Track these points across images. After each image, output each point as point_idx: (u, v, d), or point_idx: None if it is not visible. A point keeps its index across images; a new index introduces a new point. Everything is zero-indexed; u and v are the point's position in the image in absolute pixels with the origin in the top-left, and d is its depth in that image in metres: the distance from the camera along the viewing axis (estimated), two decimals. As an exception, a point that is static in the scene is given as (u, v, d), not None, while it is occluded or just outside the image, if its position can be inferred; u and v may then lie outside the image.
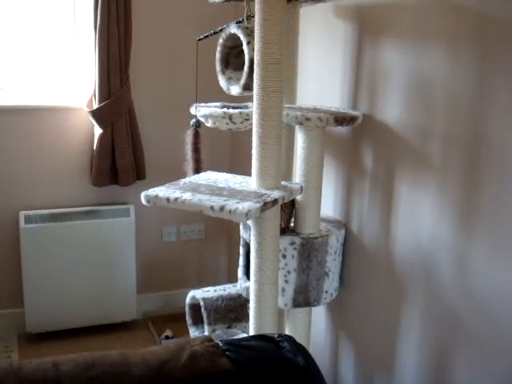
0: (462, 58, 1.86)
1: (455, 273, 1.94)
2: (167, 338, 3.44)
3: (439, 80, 1.96)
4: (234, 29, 2.15)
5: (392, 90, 2.19)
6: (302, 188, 2.21)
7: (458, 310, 1.95)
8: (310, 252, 2.33)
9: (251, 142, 2.08)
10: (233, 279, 3.50)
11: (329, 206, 2.64)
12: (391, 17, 2.18)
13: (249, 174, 2.17)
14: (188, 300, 3.00)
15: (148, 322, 3.68)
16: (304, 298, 2.39)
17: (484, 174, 1.80)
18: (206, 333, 2.83)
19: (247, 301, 2.38)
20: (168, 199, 1.98)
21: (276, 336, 1.66)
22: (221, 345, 1.58)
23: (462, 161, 1.89)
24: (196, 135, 2.42)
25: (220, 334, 2.74)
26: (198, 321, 3.03)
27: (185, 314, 3.05)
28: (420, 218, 2.09)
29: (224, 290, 2.95)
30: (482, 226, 1.82)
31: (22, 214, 3.28)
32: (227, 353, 1.54)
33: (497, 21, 1.72)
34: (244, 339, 1.68)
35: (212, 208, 1.89)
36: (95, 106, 3.22)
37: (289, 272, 2.34)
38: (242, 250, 2.61)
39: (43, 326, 3.40)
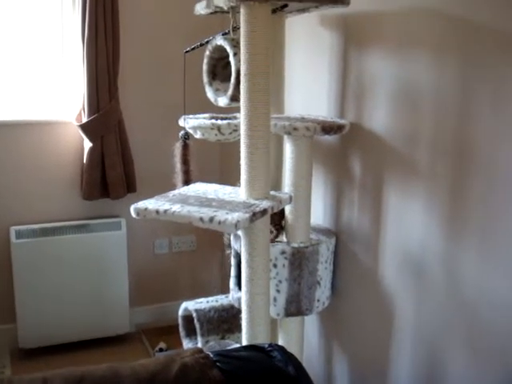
0: (447, 65, 1.87)
1: (445, 280, 1.95)
2: (161, 350, 3.43)
3: (425, 88, 1.97)
4: (220, 40, 2.16)
5: (379, 98, 2.21)
6: (291, 197, 2.21)
7: (448, 316, 1.95)
8: (301, 261, 2.33)
9: (240, 152, 2.09)
10: (225, 290, 3.50)
11: (319, 214, 2.64)
12: (376, 26, 2.20)
13: (238, 184, 2.17)
14: (181, 312, 3.00)
15: (141, 335, 3.67)
16: (296, 307, 2.39)
17: (471, 180, 1.81)
18: (200, 344, 2.83)
19: (240, 311, 2.38)
20: (157, 211, 1.99)
21: (267, 346, 1.67)
22: (211, 356, 1.58)
23: (449, 168, 1.90)
24: (185, 147, 2.42)
25: (213, 345, 2.74)
26: (191, 332, 3.03)
27: (178, 326, 3.05)
28: (409, 226, 2.10)
29: (216, 301, 2.95)
30: (471, 232, 1.83)
31: (13, 229, 3.27)
32: (218, 364, 1.54)
33: (482, 29, 1.73)
34: (235, 350, 1.68)
35: (201, 219, 1.89)
36: (84, 119, 3.22)
37: (280, 281, 2.34)
38: (233, 261, 2.61)
39: (36, 342, 3.39)
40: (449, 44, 1.86)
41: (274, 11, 2.17)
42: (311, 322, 2.78)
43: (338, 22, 2.42)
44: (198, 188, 2.29)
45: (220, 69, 2.31)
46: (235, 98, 2.13)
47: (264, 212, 1.98)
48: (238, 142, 2.12)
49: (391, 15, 2.11)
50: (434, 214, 1.98)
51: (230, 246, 2.63)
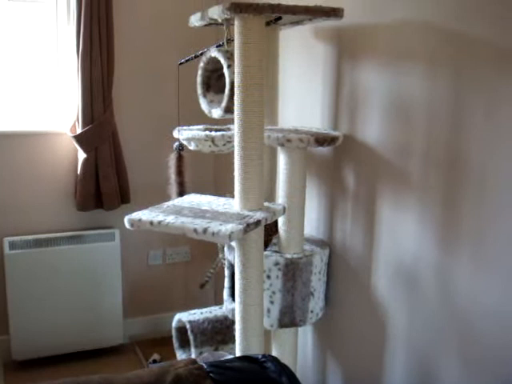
0: (440, 78, 1.89)
1: (437, 290, 1.96)
2: (155, 361, 3.42)
3: (418, 100, 1.99)
4: (214, 52, 2.17)
5: (372, 110, 2.22)
6: (284, 209, 2.22)
7: (441, 326, 1.96)
8: (294, 272, 2.34)
9: (234, 164, 2.09)
10: (219, 301, 3.50)
11: (312, 225, 2.65)
12: (370, 38, 2.22)
13: (232, 196, 2.18)
14: (174, 323, 3.00)
15: (135, 347, 3.65)
16: (290, 318, 2.39)
17: (464, 192, 1.82)
18: (193, 356, 2.82)
19: (233, 322, 2.38)
20: (151, 222, 1.99)
21: (260, 357, 1.67)
22: (205, 367, 1.58)
23: (441, 179, 1.91)
24: (179, 158, 2.43)
25: (207, 356, 2.74)
26: (185, 344, 3.03)
27: (172, 337, 3.05)
28: (402, 237, 2.11)
29: (210, 312, 2.95)
30: (463, 243, 1.84)
31: (6, 240, 3.26)
32: (211, 375, 1.54)
33: (474, 42, 1.75)
34: (228, 361, 1.68)
35: (195, 230, 1.90)
36: (79, 130, 3.23)
37: (274, 292, 2.35)
38: (227, 272, 2.61)
39: (29, 353, 3.37)
40: (441, 57, 1.88)
41: (267, 23, 2.19)
42: (305, 333, 2.78)
43: (332, 35, 2.44)
44: (192, 199, 2.29)
45: (214, 80, 2.32)
46: (229, 109, 2.14)
47: (258, 223, 1.98)
48: (232, 153, 2.13)
49: (384, 28, 2.13)
50: (427, 224, 1.99)
51: (223, 249, 2.63)
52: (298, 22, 2.34)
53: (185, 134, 2.41)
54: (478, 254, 1.79)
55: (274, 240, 2.45)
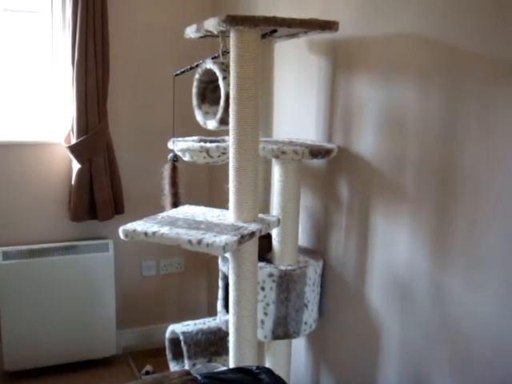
0: (433, 90, 1.90)
1: (431, 301, 1.96)
2: (147, 373, 3.41)
3: (412, 113, 2.00)
4: (209, 64, 2.18)
5: (366, 123, 2.23)
6: (279, 220, 2.23)
7: (434, 336, 1.96)
8: (288, 284, 2.34)
9: (228, 175, 2.10)
10: (213, 313, 3.49)
11: (306, 237, 2.66)
12: (364, 51, 2.23)
13: (227, 207, 2.18)
14: (168, 334, 2.99)
15: (128, 358, 3.64)
16: (283, 329, 2.39)
17: (457, 203, 1.83)
18: (187, 367, 2.81)
19: (227, 334, 2.37)
20: (146, 233, 1.99)
21: (254, 368, 1.67)
22: (199, 378, 1.57)
23: (435, 191, 1.92)
24: (174, 169, 2.43)
25: (200, 368, 2.73)
26: (178, 355, 3.02)
27: (165, 348, 3.04)
28: (396, 248, 2.12)
29: (204, 323, 2.94)
30: (456, 254, 1.85)
31: (0, 250, 3.26)
32: (205, 386, 1.54)
33: (467, 55, 1.76)
34: (222, 372, 1.68)
35: (190, 242, 1.90)
36: (73, 141, 3.23)
37: (268, 304, 2.35)
38: (221, 283, 2.61)
39: (22, 364, 3.36)
40: (434, 69, 1.89)
41: (263, 36, 2.20)
42: (299, 345, 2.78)
43: (327, 48, 2.45)
44: (187, 210, 2.30)
45: (209, 92, 2.33)
46: (224, 121, 2.14)
47: (252, 235, 1.99)
48: (227, 164, 2.13)
49: (378, 41, 2.14)
50: (421, 236, 1.99)
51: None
52: (293, 35, 2.35)
53: (179, 145, 2.41)
54: (470, 265, 1.79)
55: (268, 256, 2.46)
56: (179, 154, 2.44)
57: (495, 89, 1.67)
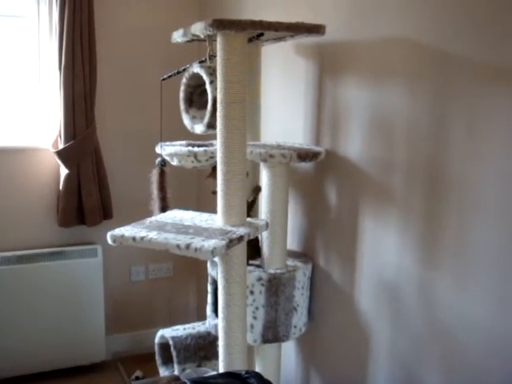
0: (421, 94, 1.91)
1: (420, 304, 1.97)
2: (137, 378, 3.39)
3: (400, 116, 2.00)
4: (196, 68, 2.18)
5: (354, 126, 2.24)
6: (267, 224, 2.23)
7: (424, 339, 1.96)
8: (277, 287, 2.34)
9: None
10: (202, 317, 3.48)
11: (295, 240, 2.66)
12: (352, 55, 2.24)
13: (215, 211, 2.18)
14: (157, 339, 2.98)
15: (117, 363, 3.63)
16: (273, 333, 2.39)
17: (445, 206, 1.84)
18: (176, 372, 2.81)
19: (216, 338, 2.37)
20: (134, 238, 1.98)
21: (244, 373, 1.66)
22: (188, 383, 1.57)
23: (423, 194, 1.92)
24: (162, 174, 2.43)
25: (190, 372, 2.72)
26: (167, 360, 3.01)
27: (155, 353, 3.03)
28: (384, 251, 2.12)
29: (193, 328, 2.94)
30: (445, 257, 1.85)
31: (-13, 256, 3.24)
32: (195, 391, 1.53)
33: (455, 59, 1.77)
34: (212, 377, 1.68)
35: (178, 246, 1.89)
36: (61, 146, 3.21)
37: (257, 308, 2.34)
38: (210, 288, 2.60)
39: (10, 371, 3.33)
40: (422, 73, 1.90)
41: (250, 40, 2.20)
42: (288, 349, 2.77)
43: (314, 51, 2.46)
44: (175, 215, 2.29)
45: (197, 96, 2.33)
46: (211, 125, 2.14)
47: (240, 239, 1.98)
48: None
49: (366, 45, 2.15)
50: (409, 238, 2.00)
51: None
52: (280, 39, 2.35)
53: (167, 150, 2.41)
54: (459, 268, 1.80)
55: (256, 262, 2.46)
56: (167, 158, 2.44)
57: (483, 93, 1.68)
